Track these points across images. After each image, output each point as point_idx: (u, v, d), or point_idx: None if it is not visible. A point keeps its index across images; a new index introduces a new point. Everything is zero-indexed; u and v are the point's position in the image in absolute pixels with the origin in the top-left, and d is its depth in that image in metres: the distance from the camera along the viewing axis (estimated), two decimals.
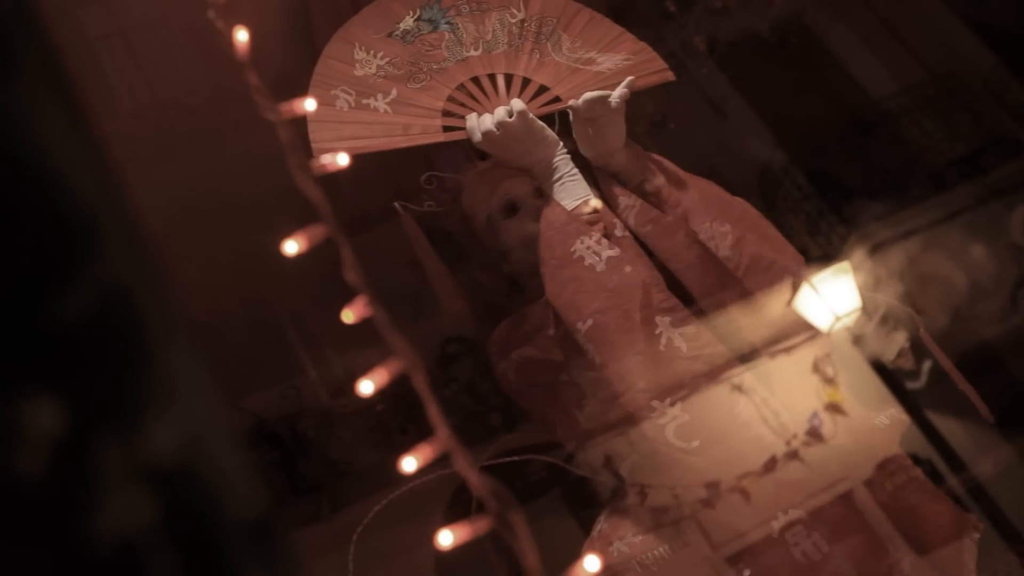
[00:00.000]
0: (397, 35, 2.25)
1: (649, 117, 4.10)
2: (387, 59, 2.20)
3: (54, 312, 0.44)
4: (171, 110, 3.44)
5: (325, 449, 3.90)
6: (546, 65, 2.28)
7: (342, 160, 1.19)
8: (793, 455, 1.90)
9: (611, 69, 2.29)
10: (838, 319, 2.16)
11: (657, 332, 1.94)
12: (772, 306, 2.04)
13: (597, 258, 2.01)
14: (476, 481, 0.93)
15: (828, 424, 1.92)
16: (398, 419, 3.80)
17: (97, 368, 0.45)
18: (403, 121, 2.15)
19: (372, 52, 2.20)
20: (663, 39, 3.23)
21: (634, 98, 2.28)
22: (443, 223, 2.21)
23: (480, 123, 2.12)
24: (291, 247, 1.14)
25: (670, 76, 2.35)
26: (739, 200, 2.23)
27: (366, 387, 1.10)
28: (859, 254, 2.64)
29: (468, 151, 2.27)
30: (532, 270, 2.20)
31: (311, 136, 2.07)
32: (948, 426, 2.55)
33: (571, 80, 2.26)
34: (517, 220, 2.17)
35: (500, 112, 2.11)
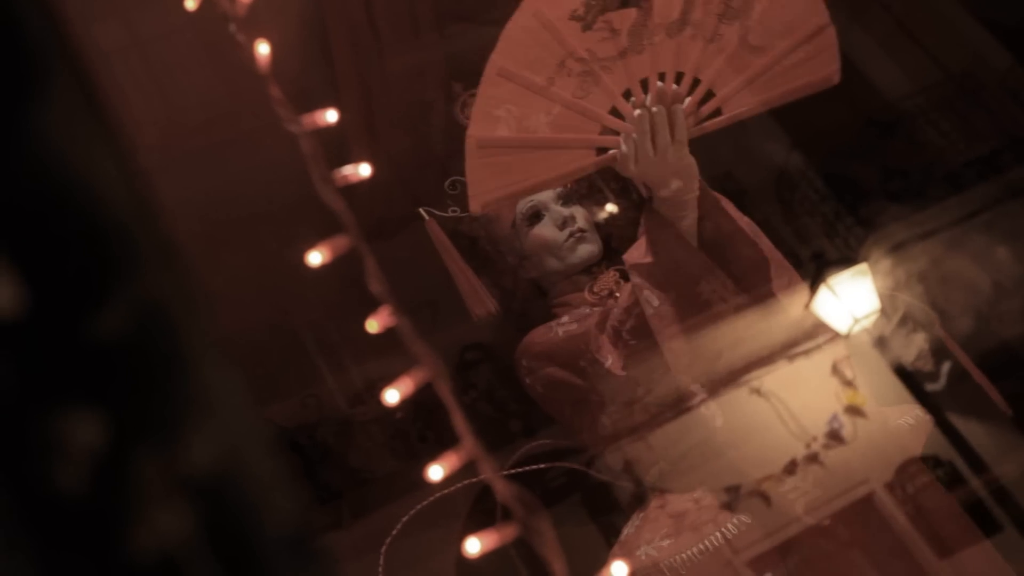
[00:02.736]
0: (578, 16, 1.88)
1: None
2: (563, 56, 1.88)
3: (92, 328, 0.45)
4: (188, 122, 3.46)
5: (345, 457, 3.91)
6: (719, 55, 1.92)
7: (364, 171, 1.19)
8: (813, 458, 1.90)
9: (775, 61, 1.92)
10: (857, 321, 2.16)
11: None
12: (790, 309, 2.03)
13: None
14: (502, 488, 0.93)
15: (848, 426, 1.92)
16: (417, 427, 3.80)
17: (135, 383, 0.46)
18: (559, 156, 1.91)
19: (554, 47, 1.88)
20: None
21: None
22: (467, 228, 2.21)
23: (639, 151, 1.88)
24: (315, 258, 1.15)
25: (834, 80, 1.95)
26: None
27: (391, 396, 1.11)
28: (877, 256, 2.63)
29: None
30: (553, 276, 2.21)
31: (471, 178, 1.88)
32: (970, 428, 2.53)
33: (735, 78, 1.92)
34: (540, 227, 2.18)
35: (662, 139, 1.87)
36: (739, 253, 1.99)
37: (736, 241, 1.99)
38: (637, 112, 1.88)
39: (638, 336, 1.94)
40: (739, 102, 1.93)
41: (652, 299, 1.90)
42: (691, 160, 1.91)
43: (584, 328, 2.04)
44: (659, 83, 1.89)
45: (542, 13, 1.86)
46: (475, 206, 1.91)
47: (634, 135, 1.87)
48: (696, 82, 1.91)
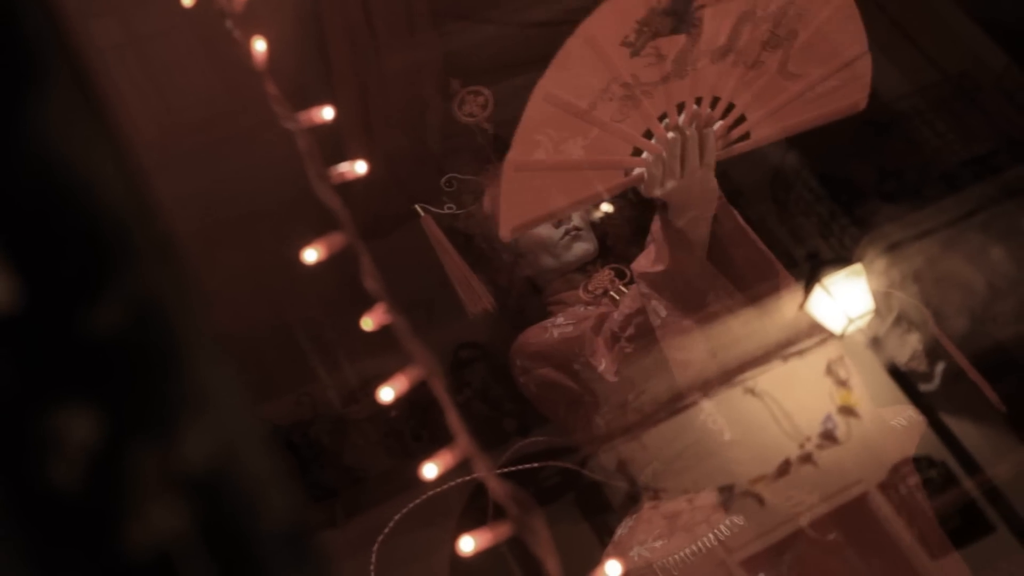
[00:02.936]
0: (629, 42, 1.82)
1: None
2: (608, 81, 1.83)
3: (89, 324, 0.45)
4: (185, 119, 3.45)
5: (339, 455, 3.90)
6: (756, 82, 1.90)
7: (360, 168, 1.19)
8: (807, 458, 1.91)
9: (808, 88, 1.93)
10: (851, 321, 2.16)
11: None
12: (785, 309, 2.04)
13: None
14: (496, 487, 0.93)
15: (842, 427, 1.92)
16: (412, 425, 3.80)
17: (131, 378, 0.46)
18: (587, 177, 1.89)
19: (601, 73, 1.82)
20: None
21: None
22: (462, 225, 2.21)
23: (667, 173, 1.87)
24: (311, 255, 1.15)
25: (861, 106, 1.98)
26: None
27: (386, 394, 1.11)
28: (872, 256, 2.63)
29: (487, 153, 2.26)
30: (548, 274, 2.21)
31: (505, 202, 1.83)
32: (963, 428, 2.54)
33: (768, 104, 1.92)
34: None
35: (691, 161, 1.87)
36: (740, 252, 2.00)
37: (738, 240, 2.01)
38: (670, 134, 1.88)
39: (636, 343, 1.94)
40: (768, 127, 1.93)
41: (660, 309, 1.91)
42: (715, 184, 1.93)
43: (580, 331, 2.04)
44: (694, 107, 1.89)
45: (595, 39, 1.81)
46: (505, 231, 1.87)
47: (664, 155, 1.87)
48: (730, 106, 1.91)
